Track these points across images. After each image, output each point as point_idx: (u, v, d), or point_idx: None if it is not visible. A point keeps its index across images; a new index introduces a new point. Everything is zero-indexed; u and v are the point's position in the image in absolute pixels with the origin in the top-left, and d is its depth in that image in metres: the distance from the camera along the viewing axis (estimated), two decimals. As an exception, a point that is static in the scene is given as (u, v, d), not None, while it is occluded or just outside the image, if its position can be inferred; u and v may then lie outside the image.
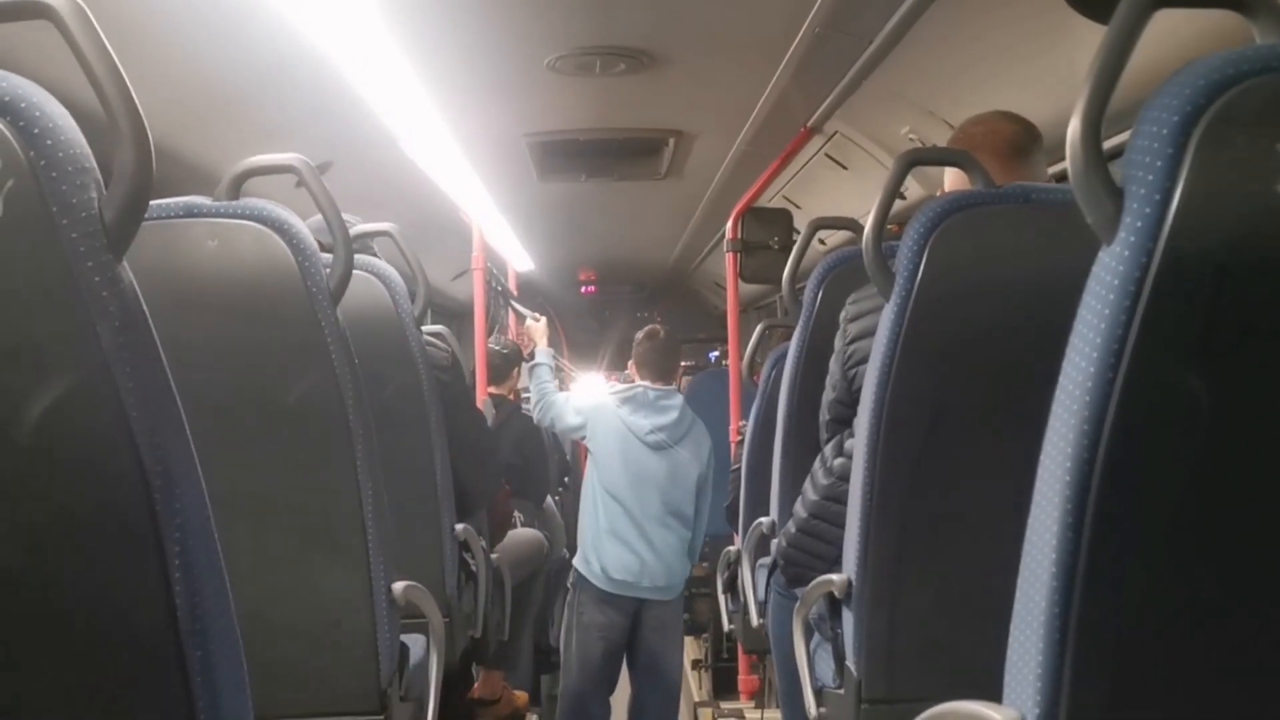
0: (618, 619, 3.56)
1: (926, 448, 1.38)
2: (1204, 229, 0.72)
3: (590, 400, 3.60)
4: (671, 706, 3.82)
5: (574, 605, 3.59)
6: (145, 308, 0.75)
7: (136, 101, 0.75)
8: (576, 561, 3.58)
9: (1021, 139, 1.68)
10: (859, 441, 1.45)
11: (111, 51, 0.75)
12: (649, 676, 3.71)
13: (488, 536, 2.66)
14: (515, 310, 4.18)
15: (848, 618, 1.51)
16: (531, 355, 3.94)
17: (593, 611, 3.55)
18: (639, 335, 3.64)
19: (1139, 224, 0.73)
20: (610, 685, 3.69)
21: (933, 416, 1.38)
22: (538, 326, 3.90)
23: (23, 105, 0.71)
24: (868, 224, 1.43)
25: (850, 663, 1.50)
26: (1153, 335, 0.73)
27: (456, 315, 6.12)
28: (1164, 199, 0.72)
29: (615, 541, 3.49)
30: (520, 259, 6.01)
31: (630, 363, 3.67)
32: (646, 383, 3.54)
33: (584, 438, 3.57)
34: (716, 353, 7.88)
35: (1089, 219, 0.77)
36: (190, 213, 1.37)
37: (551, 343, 3.90)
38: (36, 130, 0.71)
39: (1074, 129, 0.78)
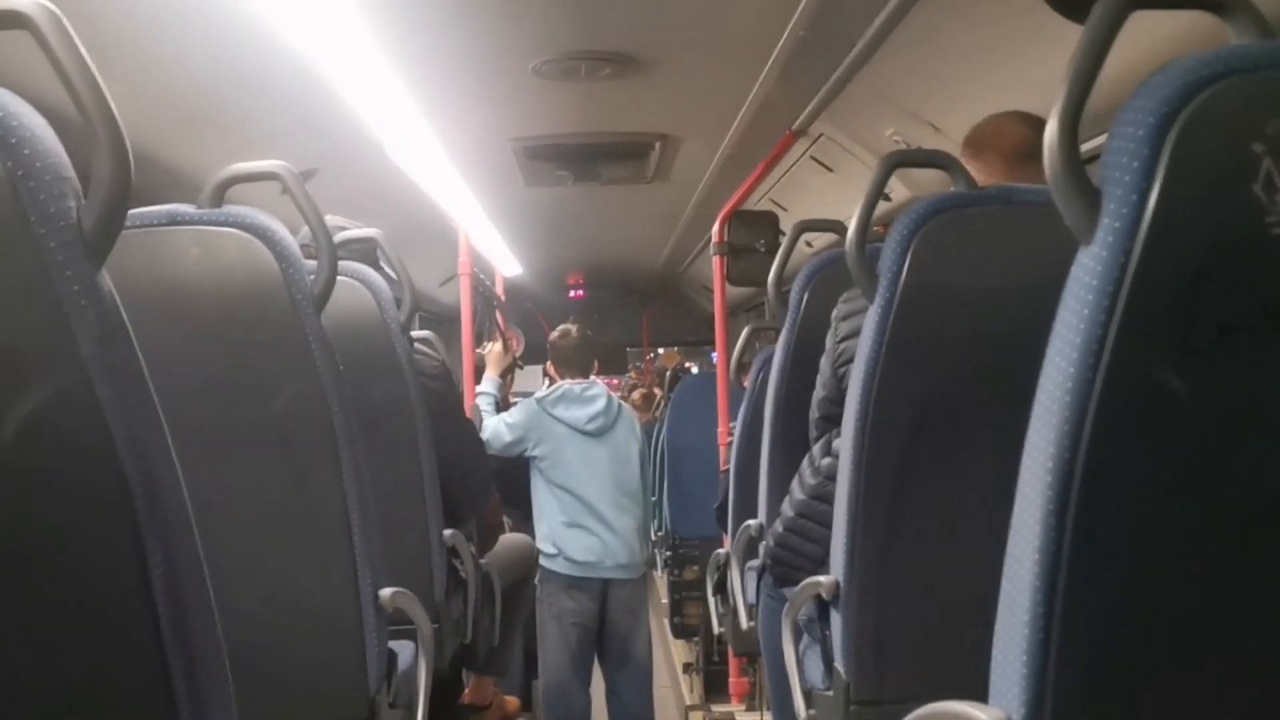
0: (587, 603, 3.75)
1: (911, 448, 1.39)
2: (1181, 228, 0.72)
3: (521, 412, 3.74)
4: (645, 688, 3.97)
5: (543, 600, 3.76)
6: (125, 316, 0.75)
7: (114, 109, 0.75)
8: (540, 559, 3.71)
9: (1032, 143, 1.68)
10: (845, 443, 1.45)
11: (89, 60, 0.75)
12: (620, 660, 3.88)
13: (478, 543, 2.66)
14: (498, 323, 4.22)
15: (835, 619, 1.51)
16: (513, 365, 4.03)
17: (562, 599, 3.74)
18: (554, 335, 3.92)
19: (1116, 224, 0.73)
20: (587, 673, 3.85)
21: (917, 417, 1.38)
22: (494, 351, 3.96)
23: (-1, 114, 0.71)
24: (851, 226, 1.43)
25: (839, 664, 1.50)
26: (1132, 334, 0.73)
27: (444, 321, 6.11)
28: (1141, 199, 0.72)
29: (576, 530, 3.71)
30: (508, 263, 6.00)
31: (549, 363, 3.93)
32: (569, 380, 3.80)
33: (524, 451, 3.71)
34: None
35: (1067, 220, 0.77)
36: (173, 220, 1.37)
37: (537, 347, 3.95)
38: (14, 140, 0.71)
39: (1051, 130, 0.78)
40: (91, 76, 0.75)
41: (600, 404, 3.76)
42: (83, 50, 0.75)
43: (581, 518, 3.71)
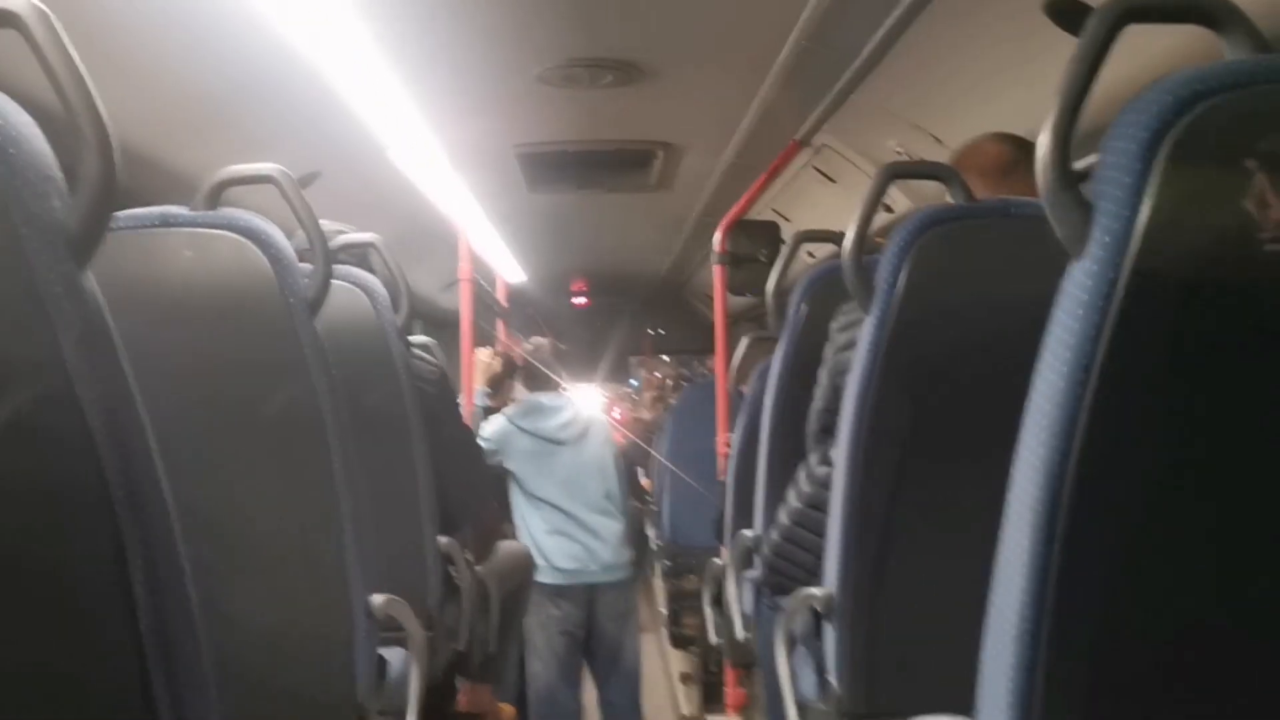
0: (573, 611, 3.81)
1: (906, 461, 1.38)
2: (1171, 244, 0.72)
3: (491, 427, 3.79)
4: (635, 692, 4.02)
5: (529, 609, 3.78)
6: (110, 319, 0.74)
7: (101, 109, 0.75)
8: None
9: (1008, 158, 1.69)
10: (839, 455, 1.44)
11: (76, 58, 0.75)
12: (609, 666, 3.93)
13: (473, 550, 2.65)
14: (495, 331, 4.28)
15: (829, 631, 1.50)
16: (507, 374, 4.07)
17: (548, 607, 3.78)
18: (525, 348, 4.00)
19: (1107, 239, 0.73)
20: (576, 679, 3.90)
21: (912, 429, 1.37)
22: (479, 359, 4.01)
23: (-15, 112, 0.71)
24: (847, 237, 1.43)
25: (831, 676, 1.49)
26: (1122, 348, 0.73)
27: (447, 326, 6.11)
28: (1132, 214, 0.72)
29: (559, 538, 3.76)
30: (512, 270, 6.00)
31: (518, 379, 3.99)
32: (536, 395, 3.85)
33: (501, 463, 3.78)
34: None
35: (1059, 234, 0.77)
36: (166, 222, 1.36)
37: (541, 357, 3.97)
38: (-1, 138, 0.70)
39: (1043, 144, 0.78)
40: (78, 75, 0.74)
41: (569, 414, 3.84)
42: (71, 49, 0.75)
43: (563, 525, 3.77)
